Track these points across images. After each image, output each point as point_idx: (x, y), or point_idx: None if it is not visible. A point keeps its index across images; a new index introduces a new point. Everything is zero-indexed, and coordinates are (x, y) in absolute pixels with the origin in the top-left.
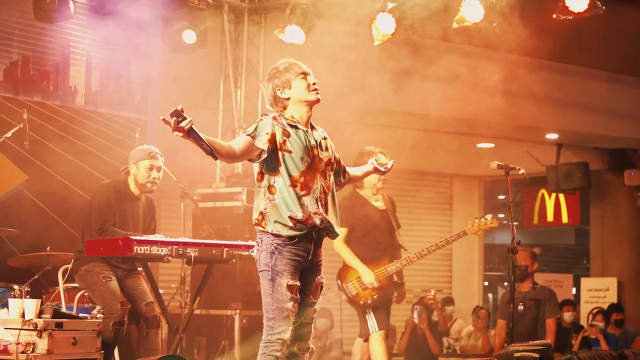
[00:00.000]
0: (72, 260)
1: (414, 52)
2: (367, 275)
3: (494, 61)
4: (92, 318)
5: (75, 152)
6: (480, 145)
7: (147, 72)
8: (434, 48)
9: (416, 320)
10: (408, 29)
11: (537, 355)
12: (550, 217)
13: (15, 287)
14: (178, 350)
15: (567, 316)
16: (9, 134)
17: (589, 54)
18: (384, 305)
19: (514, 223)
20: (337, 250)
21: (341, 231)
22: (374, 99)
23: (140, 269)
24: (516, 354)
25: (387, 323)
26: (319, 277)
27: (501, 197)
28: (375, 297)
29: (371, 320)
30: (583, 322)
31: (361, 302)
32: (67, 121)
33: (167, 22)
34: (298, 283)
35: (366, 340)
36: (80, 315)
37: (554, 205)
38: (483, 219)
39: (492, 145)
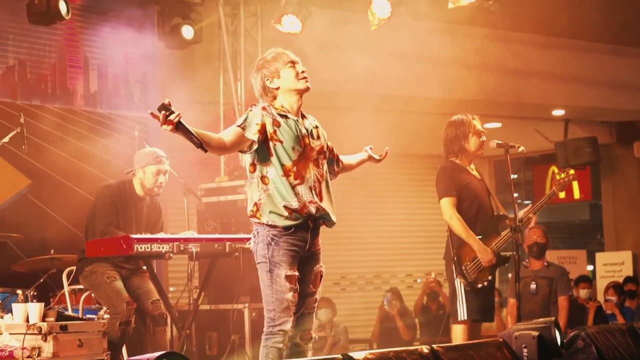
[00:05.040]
0: (76, 262)
1: (414, 35)
2: (485, 254)
3: (497, 40)
4: (99, 319)
5: (76, 153)
6: (488, 125)
7: (145, 70)
8: (434, 29)
9: (386, 307)
10: (404, 12)
11: (535, 334)
12: (561, 193)
13: (19, 291)
14: (185, 346)
15: (583, 293)
16: (6, 139)
17: (591, 28)
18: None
19: (527, 202)
20: (449, 222)
21: (450, 201)
22: (375, 85)
23: (144, 267)
24: (515, 334)
25: (480, 311)
26: (317, 266)
27: (513, 176)
28: (490, 278)
29: (461, 305)
30: (600, 297)
31: (479, 286)
32: (67, 123)
33: (162, 19)
34: (297, 273)
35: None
36: (87, 316)
37: None
38: (565, 175)
39: (499, 124)
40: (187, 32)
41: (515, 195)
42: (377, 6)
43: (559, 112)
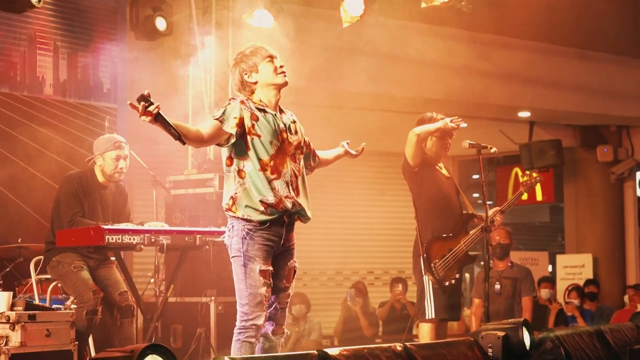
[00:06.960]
0: (44, 252)
1: (385, 34)
2: (441, 122)
3: (464, 41)
4: (66, 309)
5: (44, 143)
6: None
7: (115, 60)
8: (405, 29)
9: (349, 303)
10: (377, 10)
11: (501, 334)
12: (524, 195)
13: None
14: (153, 339)
15: (544, 293)
16: None
17: (560, 32)
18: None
19: (488, 202)
20: (412, 138)
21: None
22: (344, 82)
23: (113, 258)
24: (482, 333)
25: (447, 309)
26: (291, 261)
27: (475, 176)
28: (457, 276)
29: (429, 303)
30: (560, 299)
31: (447, 283)
32: (35, 111)
33: (135, 9)
34: (271, 268)
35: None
36: (54, 306)
37: None
38: (529, 177)
39: (464, 124)
40: (161, 23)
41: (476, 195)
42: (350, 3)
43: (524, 114)
